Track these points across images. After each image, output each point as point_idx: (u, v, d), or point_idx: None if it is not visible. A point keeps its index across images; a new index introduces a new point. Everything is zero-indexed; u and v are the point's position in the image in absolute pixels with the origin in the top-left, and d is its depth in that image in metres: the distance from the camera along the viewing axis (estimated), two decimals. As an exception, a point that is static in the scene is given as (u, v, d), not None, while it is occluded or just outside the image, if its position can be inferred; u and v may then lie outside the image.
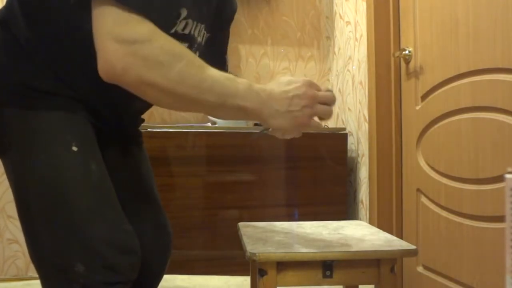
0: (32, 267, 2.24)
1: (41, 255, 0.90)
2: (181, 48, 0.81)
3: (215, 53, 1.16)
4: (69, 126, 0.92)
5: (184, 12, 0.90)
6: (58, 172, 0.88)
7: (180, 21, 0.91)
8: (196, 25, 0.96)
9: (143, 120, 1.23)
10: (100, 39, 0.77)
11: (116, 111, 1.04)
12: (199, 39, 1.01)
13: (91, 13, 0.78)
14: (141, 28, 0.77)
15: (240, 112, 0.84)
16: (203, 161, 2.15)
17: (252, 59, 2.89)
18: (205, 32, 1.03)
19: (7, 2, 0.94)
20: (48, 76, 0.91)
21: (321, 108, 0.90)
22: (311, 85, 0.89)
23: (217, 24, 1.11)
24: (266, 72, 2.90)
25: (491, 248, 1.45)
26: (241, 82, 0.84)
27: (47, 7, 0.90)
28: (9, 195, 2.23)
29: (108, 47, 0.76)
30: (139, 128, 1.22)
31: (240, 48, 2.87)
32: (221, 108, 0.83)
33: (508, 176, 0.62)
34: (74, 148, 0.89)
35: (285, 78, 0.88)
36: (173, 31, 0.90)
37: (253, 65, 2.89)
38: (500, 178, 1.41)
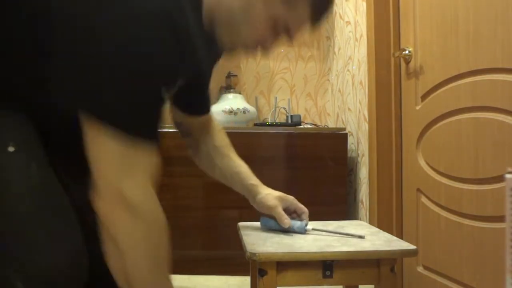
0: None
1: None
2: (163, 238, 0.84)
3: (200, 96, 1.16)
4: (9, 127, 0.86)
5: (180, 82, 0.89)
6: None
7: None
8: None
9: None
10: (103, 184, 0.79)
11: None
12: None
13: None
14: (145, 195, 0.81)
15: None
16: (203, 161, 2.15)
17: (252, 59, 2.89)
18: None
19: None
20: None
21: None
22: None
23: (207, 71, 1.08)
24: (266, 72, 2.90)
25: (491, 248, 1.45)
26: None
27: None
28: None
29: (110, 200, 0.78)
30: None
31: (240, 48, 2.87)
32: None
33: (508, 176, 0.62)
34: (11, 149, 0.83)
35: None
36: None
37: (253, 65, 2.90)
38: (500, 178, 1.41)
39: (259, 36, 0.90)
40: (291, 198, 1.20)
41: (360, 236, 1.11)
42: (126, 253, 0.80)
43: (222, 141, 1.24)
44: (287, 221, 1.15)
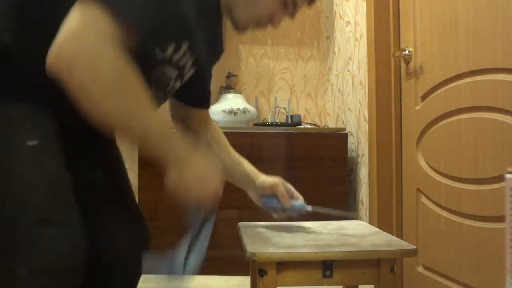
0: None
1: None
2: (133, 76, 0.82)
3: (200, 88, 1.20)
4: (30, 121, 0.88)
5: (185, 45, 0.92)
6: (9, 168, 0.84)
7: (178, 51, 0.92)
8: (189, 59, 0.98)
9: None
10: (60, 38, 0.76)
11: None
12: (188, 75, 1.03)
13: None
14: (106, 45, 0.78)
15: (153, 152, 0.88)
16: (203, 161, 2.15)
17: (252, 59, 2.89)
18: (192, 68, 1.04)
19: None
20: (10, 70, 0.88)
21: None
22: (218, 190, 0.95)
23: (206, 63, 1.12)
24: (266, 72, 2.90)
25: (491, 248, 1.45)
26: (170, 132, 0.88)
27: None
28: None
29: (65, 51, 0.76)
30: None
31: (240, 48, 2.87)
32: (139, 141, 0.88)
33: (508, 176, 0.62)
34: (29, 143, 0.86)
35: (208, 168, 0.93)
36: (166, 55, 0.91)
37: (253, 65, 2.89)
38: (500, 178, 1.41)
39: (272, 11, 1.00)
40: (289, 184, 1.23)
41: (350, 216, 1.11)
42: (96, 98, 0.79)
43: (219, 134, 1.29)
44: (288, 199, 1.17)
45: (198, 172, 0.91)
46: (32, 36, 0.89)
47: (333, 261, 1.00)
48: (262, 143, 2.25)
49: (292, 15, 1.04)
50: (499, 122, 1.42)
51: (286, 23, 2.80)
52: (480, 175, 1.50)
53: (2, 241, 0.82)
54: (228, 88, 2.66)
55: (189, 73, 1.04)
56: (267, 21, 1.02)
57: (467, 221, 1.57)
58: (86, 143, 1.06)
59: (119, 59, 0.80)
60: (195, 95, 1.21)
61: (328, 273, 1.00)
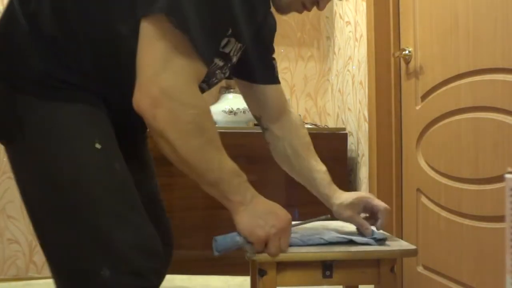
0: (32, 267, 2.24)
1: (61, 258, 0.86)
2: (210, 122, 0.86)
3: (261, 59, 1.16)
4: (92, 121, 0.88)
5: (232, 39, 0.92)
6: (81, 170, 0.84)
7: (227, 45, 0.92)
8: (235, 45, 0.95)
9: None
10: (145, 77, 0.79)
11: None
12: (234, 59, 1.00)
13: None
14: (187, 88, 0.81)
15: (222, 198, 0.90)
16: (203, 161, 2.15)
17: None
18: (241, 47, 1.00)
19: None
20: (73, 69, 0.88)
21: (284, 241, 0.93)
22: (289, 223, 0.94)
23: (256, 44, 1.09)
24: (266, 72, 2.90)
25: (491, 248, 1.45)
26: (241, 176, 0.89)
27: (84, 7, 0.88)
28: (9, 195, 2.22)
29: (151, 92, 0.79)
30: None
31: (240, 48, 2.87)
32: (210, 186, 0.88)
33: (508, 176, 0.62)
34: (98, 146, 0.86)
35: (277, 206, 0.93)
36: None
37: (253, 65, 2.89)
38: (500, 178, 1.41)
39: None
40: (365, 198, 1.11)
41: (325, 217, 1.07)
42: (175, 143, 0.81)
43: (300, 138, 1.21)
44: (368, 230, 1.06)
45: (267, 208, 0.92)
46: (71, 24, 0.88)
47: (333, 261, 1.00)
48: (262, 143, 2.24)
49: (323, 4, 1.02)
50: (499, 122, 1.42)
51: (286, 23, 2.80)
52: (480, 175, 1.50)
53: (84, 243, 0.83)
54: (228, 88, 2.66)
55: (235, 58, 1.02)
56: (312, 3, 1.01)
57: (467, 221, 1.57)
58: (131, 143, 1.07)
59: (198, 101, 0.83)
60: (259, 72, 1.16)
61: (328, 273, 1.00)
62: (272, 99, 1.19)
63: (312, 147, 1.22)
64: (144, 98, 0.79)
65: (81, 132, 0.86)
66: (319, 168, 1.18)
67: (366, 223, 1.08)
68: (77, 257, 0.84)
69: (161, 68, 0.79)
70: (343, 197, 1.12)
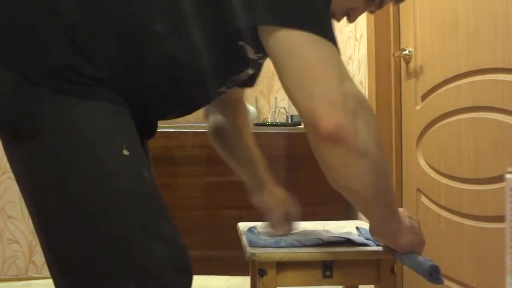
0: (32, 267, 2.24)
1: (80, 271, 0.78)
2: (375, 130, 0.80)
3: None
4: (118, 123, 0.79)
5: None
6: (108, 178, 0.76)
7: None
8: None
9: None
10: (330, 90, 0.74)
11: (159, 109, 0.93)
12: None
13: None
14: (354, 89, 0.76)
15: (390, 217, 0.94)
16: (203, 161, 2.15)
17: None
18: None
19: None
20: (96, 62, 0.78)
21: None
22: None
23: None
24: (266, 72, 2.89)
25: (491, 248, 1.45)
26: None
27: None
28: (9, 195, 2.22)
29: (347, 104, 0.73)
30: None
31: (240, 48, 2.87)
32: (386, 208, 0.91)
33: (508, 176, 0.62)
34: (125, 152, 0.77)
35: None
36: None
37: (253, 65, 2.89)
38: (500, 178, 1.41)
39: (354, 5, 0.90)
40: (291, 206, 1.15)
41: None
42: (380, 155, 0.78)
43: (243, 119, 1.22)
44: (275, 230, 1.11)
45: (409, 228, 1.00)
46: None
47: (333, 261, 1.00)
48: (262, 143, 2.23)
49: (373, 12, 0.94)
50: (499, 122, 1.42)
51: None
52: (480, 175, 1.50)
53: (110, 256, 0.77)
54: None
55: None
56: (343, 15, 0.92)
57: (467, 221, 1.57)
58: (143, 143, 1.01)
59: (376, 135, 0.78)
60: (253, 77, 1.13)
61: (328, 273, 1.00)
62: (241, 95, 1.20)
63: (252, 134, 1.24)
64: (340, 113, 0.73)
65: (107, 135, 0.78)
66: (260, 153, 1.23)
67: (279, 222, 1.12)
68: (100, 270, 0.77)
69: (340, 77, 0.74)
70: (277, 189, 1.18)
